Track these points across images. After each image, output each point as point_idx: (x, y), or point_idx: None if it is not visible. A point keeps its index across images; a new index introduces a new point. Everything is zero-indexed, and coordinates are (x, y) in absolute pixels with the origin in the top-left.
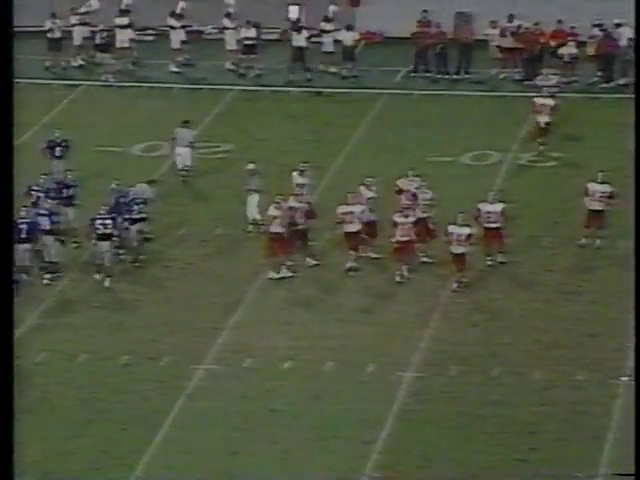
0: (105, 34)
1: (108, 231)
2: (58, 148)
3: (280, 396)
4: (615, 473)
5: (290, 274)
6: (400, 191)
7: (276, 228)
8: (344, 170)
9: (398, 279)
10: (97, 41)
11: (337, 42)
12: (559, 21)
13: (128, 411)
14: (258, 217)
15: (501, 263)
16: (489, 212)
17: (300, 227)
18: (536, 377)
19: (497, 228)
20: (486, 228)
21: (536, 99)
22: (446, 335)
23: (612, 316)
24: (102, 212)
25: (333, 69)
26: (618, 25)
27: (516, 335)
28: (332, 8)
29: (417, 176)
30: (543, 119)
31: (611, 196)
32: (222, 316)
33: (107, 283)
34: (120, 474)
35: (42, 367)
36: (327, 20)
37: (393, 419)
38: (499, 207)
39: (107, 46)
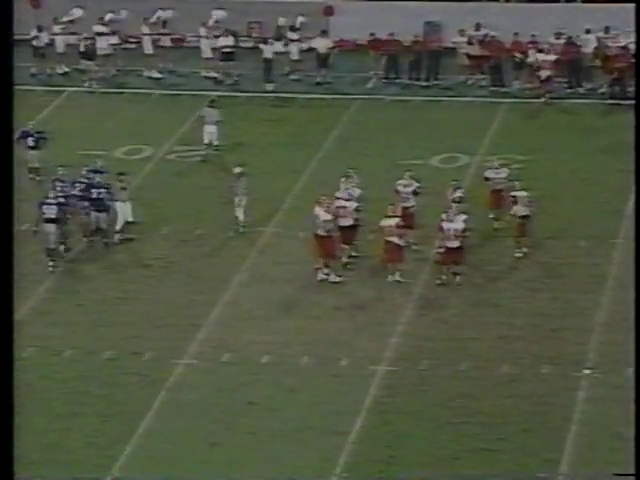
0: (89, 42)
1: (54, 216)
2: (31, 138)
3: (258, 389)
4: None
5: (339, 279)
6: (397, 191)
7: (326, 230)
8: (319, 173)
9: (438, 282)
10: (81, 49)
11: (312, 49)
12: (516, 33)
13: (111, 404)
14: (242, 218)
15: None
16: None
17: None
18: (502, 370)
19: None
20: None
21: (538, 54)
22: (417, 331)
23: (575, 311)
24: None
25: (298, 76)
26: (588, 31)
27: (483, 330)
28: (300, 19)
29: (414, 178)
30: (545, 73)
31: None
32: (202, 313)
33: (50, 265)
34: (103, 465)
35: (28, 362)
36: (293, 30)
37: (366, 411)
38: (461, 218)
39: (90, 54)
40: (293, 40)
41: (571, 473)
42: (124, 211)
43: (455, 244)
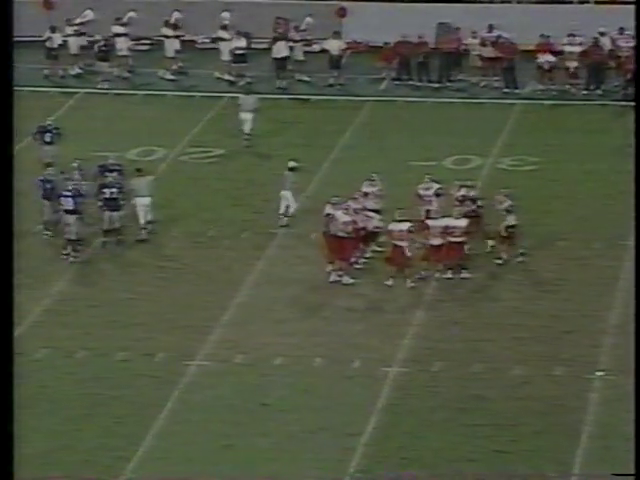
0: (103, 43)
1: (71, 207)
2: (48, 134)
3: (270, 390)
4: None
5: (352, 281)
6: (419, 195)
7: (346, 232)
8: (331, 174)
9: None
10: (96, 50)
11: (324, 51)
12: (542, 35)
13: (124, 405)
14: (281, 211)
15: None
16: (455, 227)
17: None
18: (515, 372)
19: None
20: (450, 242)
21: (565, 46)
22: (429, 332)
23: (587, 313)
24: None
25: (305, 77)
26: (602, 34)
27: (496, 332)
28: (308, 20)
29: (435, 181)
30: (572, 64)
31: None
32: (214, 314)
33: (66, 254)
34: (116, 466)
35: (41, 363)
36: (297, 31)
37: (378, 413)
38: (464, 222)
39: (105, 55)
40: (297, 41)
41: (584, 475)
42: (146, 206)
43: (438, 241)
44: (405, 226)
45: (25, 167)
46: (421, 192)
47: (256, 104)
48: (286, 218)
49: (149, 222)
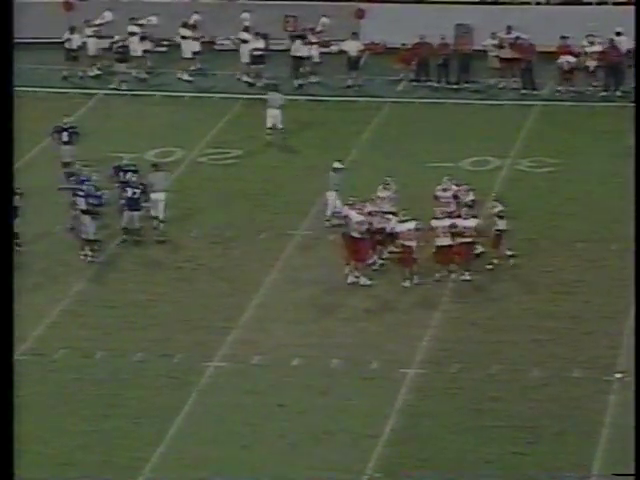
0: (121, 44)
1: (84, 207)
2: (65, 133)
3: (288, 392)
4: (614, 473)
5: (370, 282)
6: (436, 197)
7: (359, 232)
8: (349, 175)
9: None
10: (114, 51)
11: (342, 52)
12: (562, 37)
13: (142, 406)
14: (329, 213)
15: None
16: (464, 227)
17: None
18: (533, 374)
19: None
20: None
21: (584, 48)
22: (446, 334)
23: (606, 315)
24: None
25: (316, 79)
26: (619, 34)
27: (514, 333)
28: (323, 20)
29: (455, 183)
30: (592, 63)
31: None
32: (232, 315)
33: (87, 254)
34: (134, 466)
35: (60, 364)
36: (314, 33)
37: (396, 414)
38: (473, 222)
39: (124, 56)
40: (313, 42)
41: (602, 477)
42: (162, 201)
43: (445, 242)
44: (412, 225)
45: (44, 168)
46: (439, 193)
47: (282, 100)
48: (331, 216)
49: (161, 221)
